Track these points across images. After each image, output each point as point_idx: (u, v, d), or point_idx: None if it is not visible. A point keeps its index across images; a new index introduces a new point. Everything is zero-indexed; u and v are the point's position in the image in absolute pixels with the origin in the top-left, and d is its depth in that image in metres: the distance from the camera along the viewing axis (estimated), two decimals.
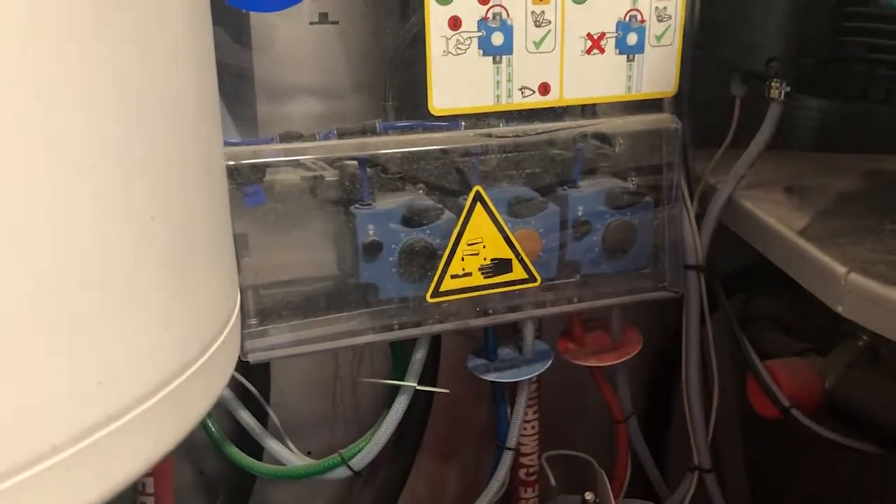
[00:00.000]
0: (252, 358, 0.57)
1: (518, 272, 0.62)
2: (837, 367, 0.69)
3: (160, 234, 0.29)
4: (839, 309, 0.51)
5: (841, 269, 0.51)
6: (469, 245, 0.60)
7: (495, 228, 0.60)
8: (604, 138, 0.64)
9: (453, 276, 0.60)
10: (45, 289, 0.24)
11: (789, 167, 0.75)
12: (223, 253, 0.39)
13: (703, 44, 0.65)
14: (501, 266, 0.61)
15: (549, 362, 0.71)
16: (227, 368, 0.39)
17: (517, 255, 0.61)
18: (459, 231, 0.59)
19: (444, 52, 0.56)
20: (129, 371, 0.27)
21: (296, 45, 0.63)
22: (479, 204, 0.59)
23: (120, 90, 0.27)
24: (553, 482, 0.74)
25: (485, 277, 0.61)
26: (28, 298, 0.24)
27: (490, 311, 0.64)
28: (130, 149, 0.27)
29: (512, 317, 0.65)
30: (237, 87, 0.61)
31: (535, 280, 0.62)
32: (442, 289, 0.60)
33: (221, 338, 0.37)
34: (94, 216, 0.26)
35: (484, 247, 0.60)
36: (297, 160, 0.58)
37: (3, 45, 0.23)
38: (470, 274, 0.60)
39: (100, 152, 0.26)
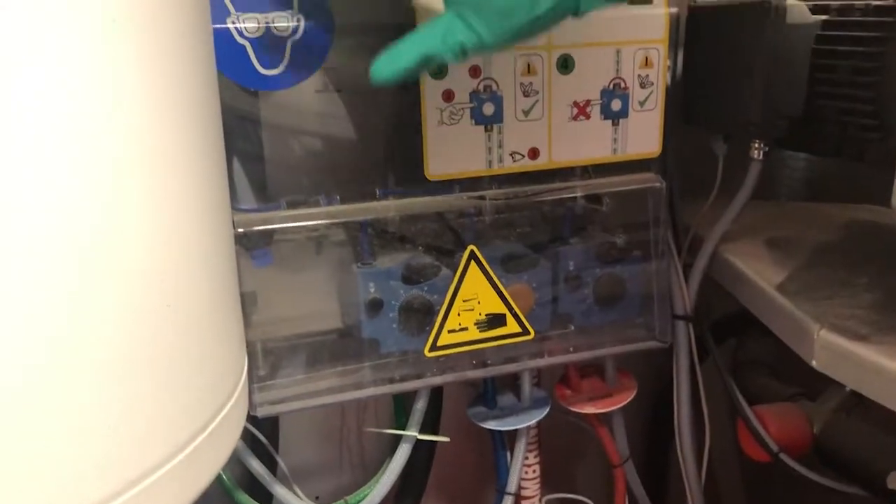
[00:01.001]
0: (261, 412, 0.60)
1: (512, 326, 0.65)
2: (825, 412, 0.71)
3: (176, 318, 0.33)
4: (813, 363, 0.54)
5: (813, 324, 0.54)
6: (464, 301, 0.63)
7: (489, 285, 0.63)
8: (593, 197, 0.68)
9: (450, 331, 0.63)
10: (79, 372, 0.28)
11: (774, 218, 0.78)
12: (232, 322, 0.42)
13: (685, 107, 0.69)
14: (496, 321, 0.64)
15: (547, 409, 0.73)
16: (238, 427, 0.42)
17: (511, 309, 0.64)
18: (455, 288, 0.63)
19: (438, 122, 0.60)
20: (149, 439, 0.31)
21: (302, 111, 0.67)
22: (473, 262, 0.63)
23: (148, 191, 0.31)
24: None
25: (480, 332, 0.64)
26: (67, 381, 0.28)
27: (487, 363, 0.67)
28: (156, 249, 0.31)
29: (508, 368, 0.68)
30: (248, 152, 0.65)
31: (528, 333, 0.65)
32: (439, 343, 0.63)
33: (232, 400, 0.40)
34: (125, 311, 0.30)
35: (479, 303, 0.64)
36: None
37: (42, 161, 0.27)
38: (466, 329, 0.64)
39: (127, 255, 0.30)
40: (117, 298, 0.30)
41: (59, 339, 0.27)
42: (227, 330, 0.39)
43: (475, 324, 0.64)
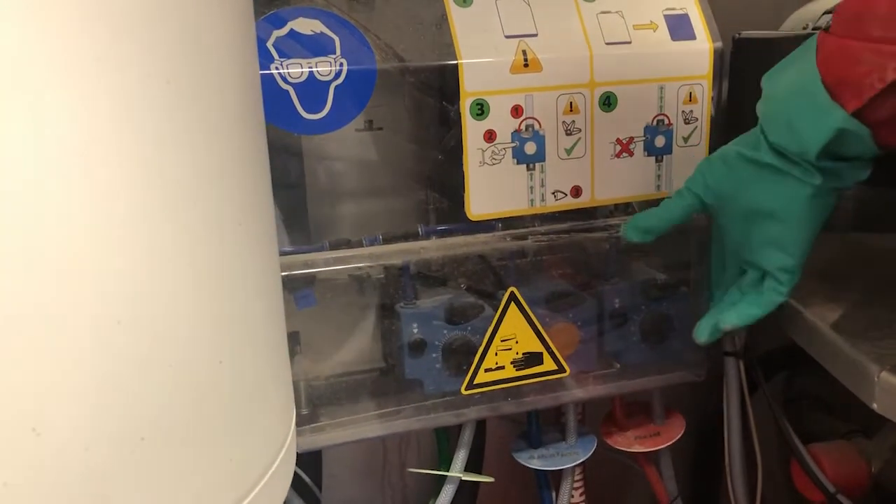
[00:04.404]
0: (301, 446, 0.60)
1: (549, 364, 0.64)
2: (883, 451, 0.69)
3: (227, 374, 0.33)
4: (874, 406, 0.52)
5: (873, 366, 0.52)
6: (503, 341, 0.63)
7: (528, 326, 0.63)
8: None
9: (487, 370, 0.63)
10: (137, 438, 0.28)
11: (825, 251, 0.76)
12: (282, 372, 0.42)
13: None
14: (532, 359, 0.64)
15: (593, 449, 0.72)
16: (288, 474, 0.42)
17: (548, 348, 0.64)
18: (494, 329, 0.62)
19: (480, 162, 0.60)
20: (206, 497, 0.31)
21: (343, 150, 0.68)
22: (513, 303, 0.62)
23: (198, 254, 0.31)
24: None
25: (516, 370, 0.64)
26: (119, 445, 0.28)
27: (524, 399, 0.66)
28: (208, 307, 0.31)
29: (545, 402, 0.67)
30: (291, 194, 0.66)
31: (564, 371, 0.65)
32: (476, 381, 0.63)
33: (283, 450, 0.40)
34: (175, 369, 0.29)
35: (517, 342, 0.63)
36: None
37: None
38: (503, 367, 0.63)
39: (180, 312, 0.30)
40: (168, 355, 0.30)
41: (120, 405, 0.27)
42: (278, 381, 0.39)
43: (512, 362, 0.63)
